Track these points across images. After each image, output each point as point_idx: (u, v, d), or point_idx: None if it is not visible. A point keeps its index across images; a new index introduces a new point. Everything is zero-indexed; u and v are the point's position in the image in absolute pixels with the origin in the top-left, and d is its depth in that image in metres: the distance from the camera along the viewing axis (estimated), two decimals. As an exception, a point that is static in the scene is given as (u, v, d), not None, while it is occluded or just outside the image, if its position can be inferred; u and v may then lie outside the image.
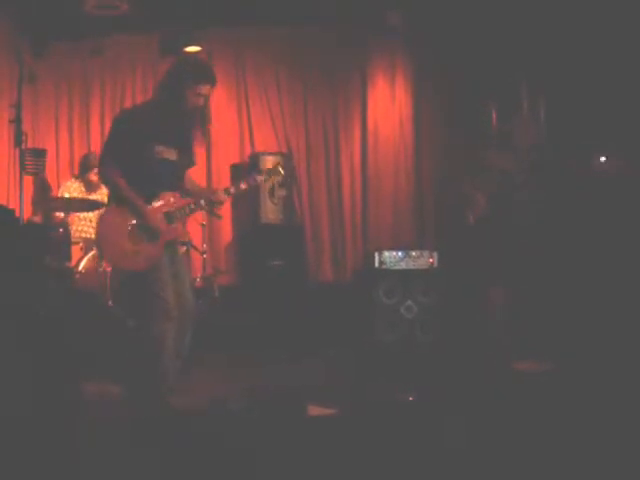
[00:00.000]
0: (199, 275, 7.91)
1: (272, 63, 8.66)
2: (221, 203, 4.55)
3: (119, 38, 8.30)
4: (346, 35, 8.52)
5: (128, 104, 8.39)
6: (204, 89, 4.34)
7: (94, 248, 6.44)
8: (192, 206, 4.45)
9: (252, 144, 8.62)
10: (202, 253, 7.76)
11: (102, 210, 4.39)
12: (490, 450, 3.67)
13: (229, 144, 8.59)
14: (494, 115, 7.29)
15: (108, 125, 8.25)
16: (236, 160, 8.62)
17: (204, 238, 7.81)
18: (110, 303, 6.56)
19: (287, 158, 8.41)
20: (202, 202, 4.48)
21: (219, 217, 8.18)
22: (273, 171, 4.68)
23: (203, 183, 8.50)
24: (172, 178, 4.42)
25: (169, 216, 4.34)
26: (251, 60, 8.64)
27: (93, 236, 6.60)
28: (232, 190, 4.53)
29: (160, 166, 4.33)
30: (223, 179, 8.59)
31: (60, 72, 8.32)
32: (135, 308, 4.44)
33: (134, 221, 4.25)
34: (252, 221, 8.24)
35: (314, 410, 4.37)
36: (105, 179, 4.38)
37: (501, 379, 5.16)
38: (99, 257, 4.49)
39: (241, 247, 8.45)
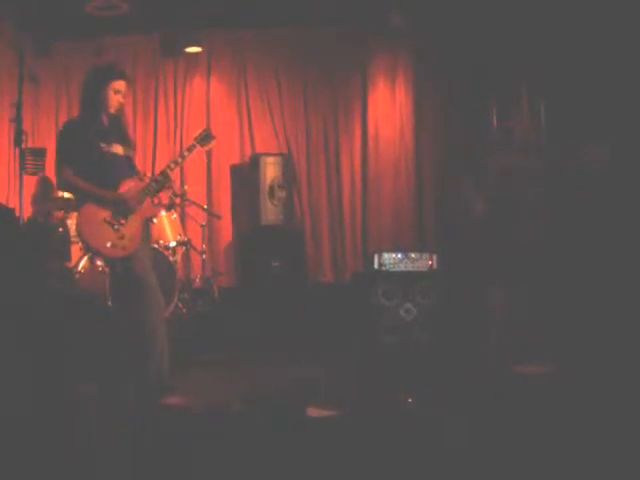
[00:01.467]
0: (198, 276, 7.91)
1: (273, 64, 8.66)
2: (171, 179, 4.89)
3: (120, 38, 8.30)
4: (347, 36, 8.52)
5: (128, 104, 8.38)
6: (118, 85, 4.69)
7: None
8: (154, 184, 4.77)
9: (252, 145, 8.62)
10: (201, 254, 7.75)
11: (82, 211, 4.60)
12: (490, 451, 3.67)
13: (229, 145, 8.59)
14: (494, 116, 7.29)
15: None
16: (236, 161, 8.62)
17: (203, 239, 7.81)
18: (109, 303, 6.57)
19: (287, 159, 8.41)
20: (159, 177, 4.80)
21: (218, 217, 8.20)
22: (205, 136, 5.06)
23: (203, 183, 8.51)
24: (125, 170, 4.76)
25: (136, 197, 4.66)
26: (252, 61, 8.64)
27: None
28: (179, 160, 4.97)
29: (111, 161, 4.67)
30: (223, 180, 8.59)
31: (61, 72, 8.32)
32: (127, 305, 4.57)
33: (106, 213, 4.55)
34: (252, 222, 8.24)
35: (313, 412, 4.36)
36: (64, 184, 4.71)
37: (501, 381, 5.15)
38: (86, 252, 4.80)
39: (240, 248, 8.44)
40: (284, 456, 3.61)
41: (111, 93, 4.68)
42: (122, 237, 4.56)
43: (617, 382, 4.87)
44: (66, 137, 4.70)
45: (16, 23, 7.36)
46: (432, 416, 4.33)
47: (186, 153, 4.96)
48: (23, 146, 5.50)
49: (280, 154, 8.39)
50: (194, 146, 5.01)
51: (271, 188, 8.11)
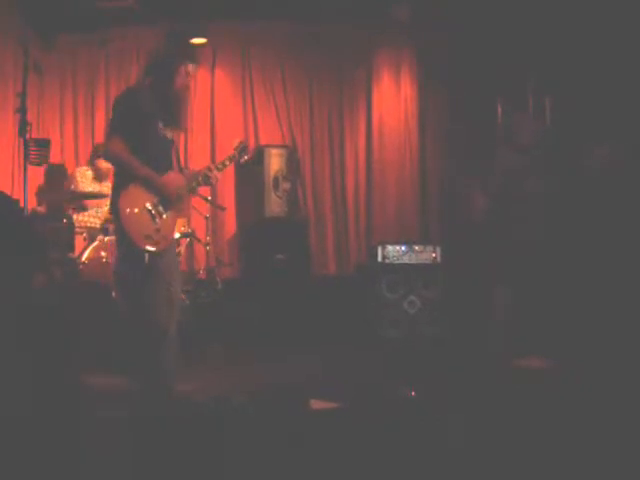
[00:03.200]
0: (202, 267, 7.92)
1: (277, 57, 8.65)
2: (216, 178, 4.58)
3: (125, 30, 8.28)
4: (352, 29, 8.51)
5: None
6: (192, 68, 4.45)
7: (98, 238, 6.45)
8: (194, 183, 4.49)
9: (257, 137, 8.61)
10: (205, 245, 7.76)
11: (125, 192, 4.21)
12: (491, 447, 3.67)
13: (234, 137, 8.54)
14: (499, 112, 7.28)
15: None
16: (240, 153, 8.60)
17: (207, 230, 7.81)
18: (114, 294, 6.58)
19: (292, 152, 8.41)
20: (200, 178, 4.51)
21: (223, 209, 8.20)
22: (243, 147, 4.86)
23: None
24: (171, 156, 4.47)
25: (180, 190, 4.38)
26: (256, 54, 8.63)
27: (97, 225, 6.65)
28: (220, 166, 4.62)
29: (162, 144, 4.37)
30: (227, 171, 8.55)
31: (66, 63, 8.31)
32: (137, 297, 4.41)
33: (150, 199, 4.24)
34: (256, 214, 8.24)
35: (317, 404, 4.37)
36: (112, 156, 4.31)
37: (503, 376, 5.15)
38: (121, 238, 4.43)
39: (245, 240, 8.44)
40: (287, 449, 3.61)
41: (183, 74, 4.39)
42: (158, 231, 4.24)
43: (618, 379, 4.87)
44: (125, 105, 4.29)
45: (21, 15, 7.35)
46: (433, 410, 4.33)
47: (227, 162, 4.70)
48: (27, 136, 5.49)
49: (284, 146, 8.39)
50: (234, 157, 4.79)
51: (275, 180, 8.10)
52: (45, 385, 3.97)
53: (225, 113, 8.58)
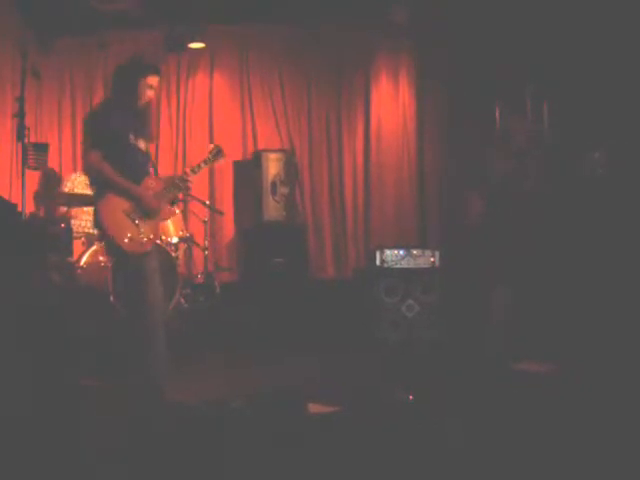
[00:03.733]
0: (200, 271, 7.92)
1: (275, 61, 8.66)
2: (190, 182, 4.80)
3: (123, 34, 8.29)
4: (350, 33, 8.52)
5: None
6: (153, 80, 4.64)
7: (96, 243, 6.46)
8: (171, 188, 4.70)
9: (255, 141, 8.62)
10: (204, 249, 7.76)
11: (103, 200, 4.48)
12: (490, 450, 3.67)
13: (232, 141, 8.58)
14: (497, 115, 7.28)
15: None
16: (239, 157, 8.62)
17: (206, 234, 7.82)
18: (112, 298, 6.58)
19: (290, 156, 8.41)
20: (180, 184, 4.73)
21: (221, 213, 8.20)
22: (217, 152, 5.01)
23: (205, 179, 8.51)
24: (146, 166, 4.70)
25: (157, 197, 4.60)
26: (255, 57, 8.64)
27: (96, 231, 6.65)
28: (196, 169, 4.81)
29: (136, 154, 4.60)
30: (226, 176, 8.59)
31: (64, 67, 8.32)
32: (130, 302, 4.53)
33: (127, 206, 4.47)
34: (254, 218, 8.25)
35: (315, 408, 4.36)
36: (92, 168, 4.54)
37: (502, 379, 5.15)
38: (108, 247, 4.67)
39: (243, 244, 8.45)
40: (284, 453, 3.61)
41: (145, 87, 4.62)
42: (141, 233, 4.48)
43: (618, 381, 4.87)
44: (98, 120, 4.59)
45: (19, 19, 7.35)
46: (432, 414, 4.33)
47: (202, 165, 4.89)
48: (25, 141, 5.50)
49: (282, 150, 8.40)
50: (209, 160, 4.98)
51: (273, 184, 8.11)
52: (44, 385, 3.97)
53: (223, 117, 8.59)
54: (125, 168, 4.48)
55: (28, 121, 5.67)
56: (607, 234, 5.92)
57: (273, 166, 8.15)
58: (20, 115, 5.45)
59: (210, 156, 4.96)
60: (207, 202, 7.96)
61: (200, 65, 8.59)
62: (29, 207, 6.56)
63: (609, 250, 5.89)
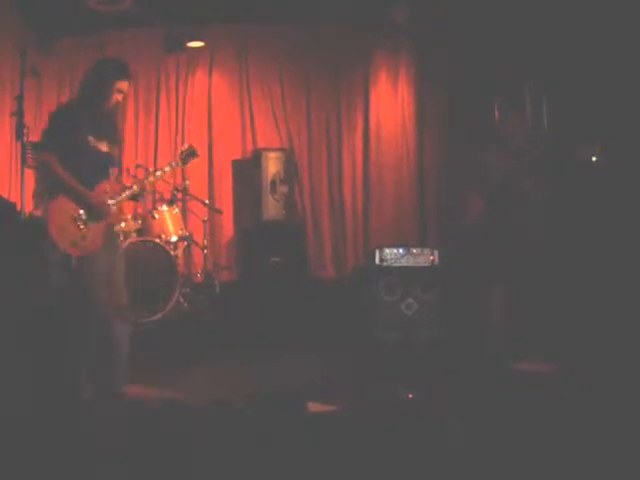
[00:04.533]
0: (200, 271, 7.92)
1: (275, 59, 8.66)
2: (151, 185, 5.13)
3: (122, 34, 8.29)
4: (349, 32, 8.52)
5: (130, 99, 8.40)
6: (122, 84, 4.67)
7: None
8: (127, 192, 4.73)
9: (254, 140, 8.62)
10: (203, 249, 7.76)
11: (53, 202, 4.51)
12: (488, 449, 3.67)
13: (231, 140, 8.60)
14: (496, 114, 7.28)
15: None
16: (238, 156, 8.62)
17: (205, 234, 7.82)
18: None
19: (289, 155, 8.41)
20: (135, 187, 4.78)
21: (219, 212, 8.21)
22: (189, 153, 5.04)
23: (205, 178, 8.52)
24: (105, 168, 4.71)
25: (111, 200, 4.64)
26: (254, 56, 8.64)
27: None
28: (157, 174, 4.89)
29: (94, 157, 4.61)
30: (225, 175, 8.59)
31: (63, 66, 8.31)
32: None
33: (75, 210, 4.50)
34: (253, 217, 8.25)
35: (314, 407, 4.36)
36: (45, 166, 4.57)
37: (501, 379, 5.15)
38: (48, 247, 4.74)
39: (242, 243, 8.45)
40: (284, 452, 3.61)
41: (114, 91, 4.66)
42: (84, 238, 4.53)
43: (617, 381, 4.87)
44: (57, 121, 4.61)
45: (19, 18, 7.35)
46: (431, 413, 4.33)
47: (167, 168, 4.94)
48: (25, 140, 5.50)
49: (282, 149, 8.40)
50: (177, 164, 5.03)
51: (273, 183, 8.11)
52: (44, 385, 3.97)
53: (222, 116, 8.59)
54: (79, 170, 4.52)
55: (27, 120, 5.66)
56: (607, 234, 5.92)
57: (272, 165, 8.15)
58: (19, 114, 5.44)
59: (179, 159, 5.03)
60: (206, 201, 7.97)
61: (199, 64, 8.59)
62: (28, 206, 6.55)
63: (609, 250, 5.89)
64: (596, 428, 3.94)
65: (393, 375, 5.56)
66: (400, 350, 6.60)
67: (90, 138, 4.60)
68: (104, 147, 4.69)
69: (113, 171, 4.78)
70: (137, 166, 7.72)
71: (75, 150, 4.53)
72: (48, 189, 4.57)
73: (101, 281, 4.58)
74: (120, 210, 4.81)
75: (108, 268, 4.65)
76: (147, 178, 4.87)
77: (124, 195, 4.72)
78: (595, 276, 5.87)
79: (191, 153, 5.04)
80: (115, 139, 4.85)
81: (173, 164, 4.96)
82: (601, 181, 5.94)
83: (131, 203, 7.95)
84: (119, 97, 4.70)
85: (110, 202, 4.63)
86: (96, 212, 4.56)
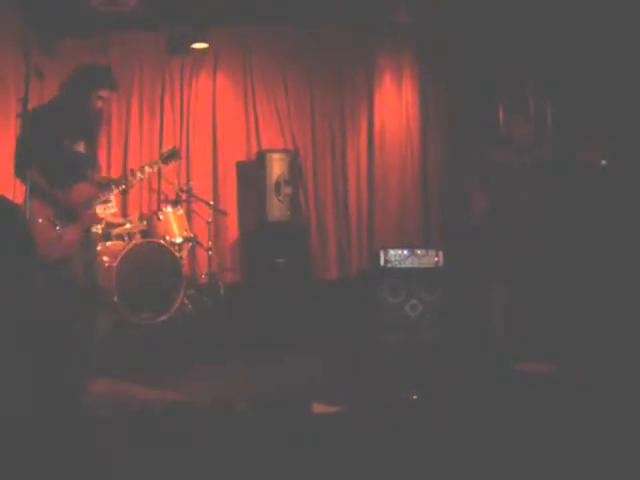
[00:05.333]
0: (204, 272, 7.93)
1: (279, 60, 8.65)
2: (132, 186, 5.08)
3: (126, 35, 8.30)
4: (353, 33, 8.52)
5: (135, 101, 8.41)
6: (104, 93, 4.79)
7: (99, 243, 6.48)
8: (104, 193, 4.85)
9: (258, 141, 8.62)
10: (207, 250, 7.77)
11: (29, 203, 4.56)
12: (491, 450, 3.67)
13: (235, 141, 8.60)
14: (500, 114, 7.27)
15: (115, 121, 8.33)
16: (242, 157, 8.62)
17: (209, 235, 7.83)
18: (116, 299, 6.59)
19: (293, 156, 8.41)
20: (112, 187, 4.90)
21: (224, 214, 8.21)
22: (170, 155, 5.27)
23: (209, 179, 8.52)
24: (82, 169, 4.80)
25: (84, 204, 4.74)
26: (258, 58, 8.64)
27: (99, 231, 6.67)
28: (138, 174, 5.02)
29: (69, 159, 4.70)
30: (229, 176, 8.60)
31: (67, 68, 8.24)
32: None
33: (50, 212, 4.60)
34: (258, 218, 8.25)
35: (318, 408, 4.36)
36: (21, 173, 4.62)
37: (503, 379, 5.15)
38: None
39: (246, 244, 8.45)
40: (288, 453, 3.61)
41: (95, 98, 4.76)
42: (59, 239, 4.60)
43: (618, 381, 4.86)
44: (32, 124, 4.65)
45: (23, 20, 7.36)
46: (435, 414, 4.33)
47: (147, 168, 5.05)
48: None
49: (286, 150, 8.39)
50: (156, 163, 5.16)
51: (277, 184, 8.11)
52: (44, 386, 3.97)
53: (227, 118, 8.59)
54: (54, 172, 4.60)
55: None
56: (609, 234, 5.91)
57: (277, 166, 8.14)
58: (24, 116, 5.44)
59: (159, 160, 5.20)
60: (211, 202, 7.98)
61: (203, 66, 8.60)
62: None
63: (611, 250, 5.89)
64: (596, 429, 3.94)
65: (397, 376, 5.56)
66: (404, 351, 6.60)
67: (68, 140, 4.68)
68: (81, 148, 4.76)
69: (91, 173, 4.85)
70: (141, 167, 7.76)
71: (49, 152, 4.60)
72: (27, 192, 4.62)
73: (78, 282, 4.67)
74: (94, 212, 4.89)
75: (85, 269, 4.74)
76: (126, 177, 4.98)
77: (101, 197, 4.81)
78: (596, 277, 5.87)
79: (173, 154, 5.22)
80: (93, 141, 4.92)
81: (154, 165, 5.09)
82: (604, 181, 5.93)
83: (136, 205, 8.02)
84: (99, 104, 4.79)
85: (84, 203, 4.70)
86: (69, 214, 4.64)
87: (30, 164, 4.53)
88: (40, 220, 4.54)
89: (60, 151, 4.64)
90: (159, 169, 6.94)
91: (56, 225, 4.59)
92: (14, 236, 4.46)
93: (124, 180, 4.99)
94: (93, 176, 4.89)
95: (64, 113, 4.71)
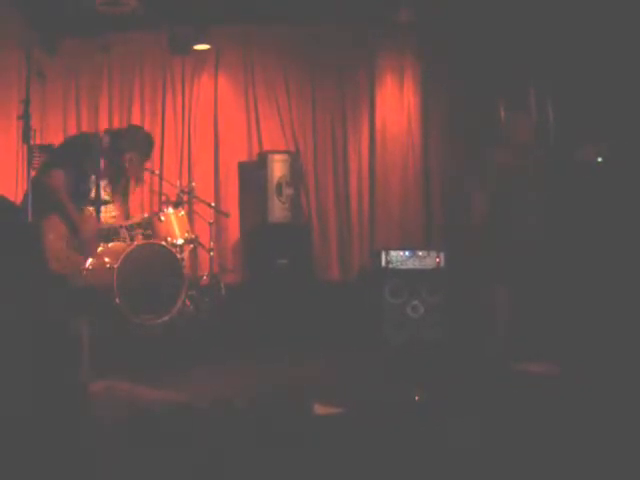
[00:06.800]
0: (206, 273, 7.92)
1: (280, 61, 8.65)
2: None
3: (128, 36, 8.30)
4: (355, 34, 8.51)
5: (136, 101, 8.41)
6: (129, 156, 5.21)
7: (101, 244, 6.47)
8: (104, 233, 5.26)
9: (260, 142, 8.62)
10: (209, 251, 7.76)
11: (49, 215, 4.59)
12: (492, 451, 3.66)
13: (237, 142, 8.59)
14: (501, 114, 7.27)
15: (116, 122, 8.32)
16: (244, 158, 8.62)
17: (211, 236, 7.82)
18: (117, 300, 6.58)
19: (295, 157, 8.41)
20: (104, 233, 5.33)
21: (226, 215, 8.21)
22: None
23: (211, 181, 8.52)
24: (84, 203, 5.12)
25: (92, 237, 5.12)
26: (259, 58, 8.64)
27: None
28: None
29: (84, 192, 5.04)
30: (231, 177, 8.59)
31: (69, 69, 8.32)
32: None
33: (65, 231, 4.84)
34: (259, 219, 8.25)
35: (320, 409, 4.36)
36: (50, 185, 4.86)
37: (504, 379, 5.14)
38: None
39: (248, 245, 8.45)
40: (289, 454, 3.61)
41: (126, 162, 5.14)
42: (68, 258, 4.81)
43: (619, 382, 4.85)
44: (74, 146, 4.92)
45: (24, 21, 7.36)
46: (437, 415, 4.32)
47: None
48: (31, 143, 5.50)
49: (288, 152, 8.39)
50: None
51: (279, 186, 8.11)
52: (44, 387, 3.97)
53: (228, 118, 8.59)
54: (78, 192, 4.84)
55: (33, 123, 5.67)
56: (610, 234, 5.91)
57: (278, 167, 8.14)
58: (25, 117, 5.44)
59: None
60: (212, 204, 7.97)
61: (205, 66, 8.59)
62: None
63: (612, 250, 5.88)
64: (597, 429, 3.93)
65: (399, 377, 5.56)
66: (406, 352, 6.60)
67: (88, 181, 4.97)
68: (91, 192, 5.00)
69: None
70: (144, 169, 7.76)
71: (78, 180, 4.87)
72: (42, 205, 4.65)
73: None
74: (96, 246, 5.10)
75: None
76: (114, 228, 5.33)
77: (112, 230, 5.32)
78: (597, 277, 5.86)
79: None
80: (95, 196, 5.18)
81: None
82: (605, 181, 5.93)
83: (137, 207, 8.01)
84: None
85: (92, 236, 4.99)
86: (81, 240, 4.90)
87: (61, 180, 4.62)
88: (59, 235, 4.62)
89: (85, 187, 4.90)
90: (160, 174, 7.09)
91: (70, 242, 4.67)
92: (14, 236, 4.46)
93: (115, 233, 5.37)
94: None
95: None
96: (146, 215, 6.20)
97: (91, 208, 4.89)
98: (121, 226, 6.70)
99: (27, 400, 3.79)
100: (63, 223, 4.63)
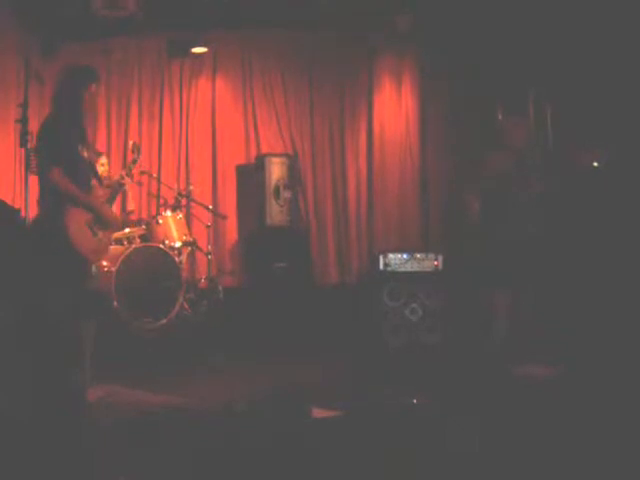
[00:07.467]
0: (204, 276, 7.92)
1: (278, 64, 8.66)
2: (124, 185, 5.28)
3: (126, 39, 8.30)
4: (353, 37, 8.52)
5: (135, 105, 8.40)
6: (93, 88, 4.90)
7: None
8: (114, 193, 5.11)
9: (258, 145, 8.62)
10: (207, 254, 7.76)
11: (66, 212, 4.62)
12: (492, 454, 3.66)
13: (234, 145, 8.60)
14: (499, 118, 7.28)
15: (114, 126, 8.32)
16: (242, 161, 8.62)
17: (209, 239, 7.82)
18: (115, 304, 6.59)
19: (293, 160, 8.41)
20: (116, 186, 5.14)
21: (224, 218, 8.21)
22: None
23: (209, 184, 8.52)
24: (91, 173, 4.90)
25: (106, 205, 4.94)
26: (257, 62, 8.65)
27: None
28: (127, 171, 5.30)
29: (84, 165, 4.80)
30: (229, 180, 8.59)
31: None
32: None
33: (88, 217, 4.70)
34: (257, 223, 8.25)
35: (318, 412, 4.36)
36: (56, 185, 4.64)
37: (504, 382, 5.14)
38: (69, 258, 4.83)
39: (246, 249, 8.45)
40: (287, 457, 3.61)
41: (87, 95, 4.83)
42: (99, 243, 4.75)
43: (619, 384, 4.85)
44: (52, 136, 4.70)
45: (23, 25, 7.36)
46: (435, 418, 4.32)
47: (132, 165, 5.43)
48: (29, 146, 5.50)
49: (285, 154, 8.40)
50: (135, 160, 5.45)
51: (276, 188, 8.11)
52: (44, 390, 3.97)
53: (226, 122, 8.59)
54: (78, 180, 4.66)
55: (31, 127, 5.66)
56: (609, 237, 5.91)
57: (276, 170, 8.15)
58: (23, 121, 5.44)
59: (135, 155, 5.42)
60: (210, 207, 7.97)
61: (203, 70, 8.60)
62: (32, 212, 6.56)
63: (611, 253, 5.88)
64: (598, 432, 3.94)
65: (397, 380, 5.56)
66: (404, 355, 6.60)
67: (80, 147, 4.76)
68: (85, 153, 4.84)
69: (93, 178, 4.94)
70: (141, 172, 7.77)
71: (73, 161, 4.66)
72: (53, 203, 4.65)
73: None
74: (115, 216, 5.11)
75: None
76: (124, 178, 5.15)
77: (113, 198, 5.10)
78: (597, 279, 5.87)
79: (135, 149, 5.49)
80: (89, 145, 5.01)
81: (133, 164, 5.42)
82: (603, 184, 5.94)
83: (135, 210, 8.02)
84: (92, 99, 4.92)
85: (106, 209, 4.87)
86: (104, 218, 4.77)
87: (61, 171, 4.58)
88: (83, 227, 4.64)
89: (80, 159, 4.73)
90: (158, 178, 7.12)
91: (95, 230, 4.70)
92: (12, 240, 4.47)
93: (121, 186, 5.21)
94: (99, 181, 5.00)
95: (72, 120, 4.76)
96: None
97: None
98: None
99: (27, 400, 3.80)
100: (82, 210, 4.63)
